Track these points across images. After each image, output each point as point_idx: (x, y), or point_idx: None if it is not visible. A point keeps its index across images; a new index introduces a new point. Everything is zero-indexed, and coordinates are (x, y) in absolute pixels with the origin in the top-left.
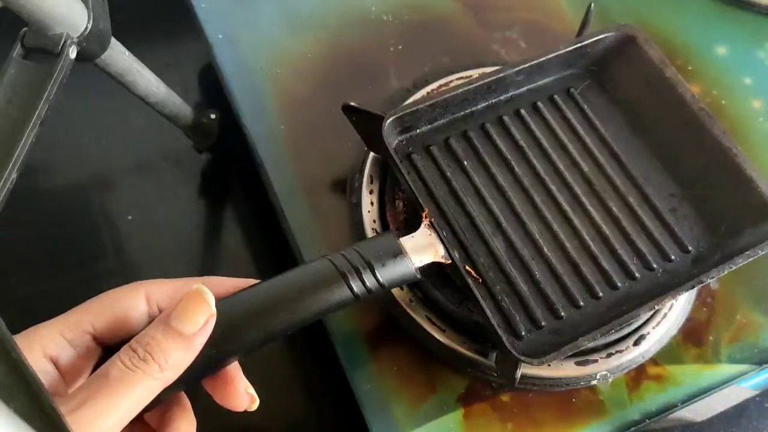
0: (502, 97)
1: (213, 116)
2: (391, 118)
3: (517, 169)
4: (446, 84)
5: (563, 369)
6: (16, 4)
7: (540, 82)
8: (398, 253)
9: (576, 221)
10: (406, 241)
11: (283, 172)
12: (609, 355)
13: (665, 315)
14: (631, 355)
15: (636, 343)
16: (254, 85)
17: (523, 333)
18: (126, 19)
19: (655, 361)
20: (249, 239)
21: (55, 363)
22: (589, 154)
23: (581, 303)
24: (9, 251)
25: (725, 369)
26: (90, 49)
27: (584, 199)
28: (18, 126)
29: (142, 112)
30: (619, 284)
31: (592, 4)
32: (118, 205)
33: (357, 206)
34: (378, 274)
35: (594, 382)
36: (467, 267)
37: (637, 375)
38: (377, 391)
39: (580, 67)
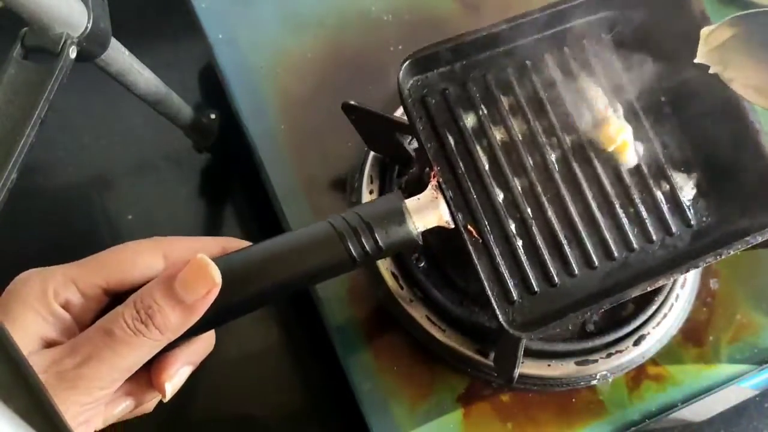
0: (527, 40)
1: (213, 116)
2: (407, 62)
3: (532, 123)
4: None
5: (563, 369)
6: (16, 4)
7: (568, 25)
8: (401, 216)
9: (584, 185)
10: (411, 203)
11: (283, 172)
12: (609, 355)
13: (665, 315)
14: (631, 355)
15: (636, 343)
16: (254, 85)
17: (515, 298)
18: (126, 19)
19: (655, 361)
20: (249, 239)
21: (65, 307)
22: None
23: (576, 271)
24: (9, 251)
25: (725, 369)
26: (90, 49)
27: (596, 162)
28: (18, 126)
29: (142, 112)
30: (616, 254)
31: None
32: (118, 205)
33: None
34: (378, 238)
35: (594, 382)
36: (469, 225)
37: (637, 375)
38: (377, 391)
39: (614, 10)
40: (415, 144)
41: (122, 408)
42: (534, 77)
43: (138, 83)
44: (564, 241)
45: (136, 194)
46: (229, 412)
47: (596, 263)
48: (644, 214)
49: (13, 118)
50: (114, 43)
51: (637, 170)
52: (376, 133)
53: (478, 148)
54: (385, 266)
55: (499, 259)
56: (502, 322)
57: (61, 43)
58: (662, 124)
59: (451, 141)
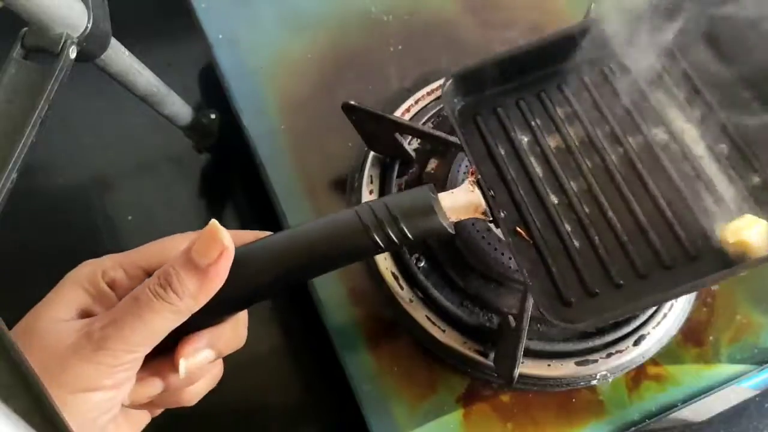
0: (585, 56)
1: (213, 116)
2: (452, 79)
3: (590, 129)
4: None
5: (563, 369)
6: (16, 4)
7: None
8: (429, 208)
9: (651, 183)
10: (444, 197)
11: (283, 172)
12: (609, 355)
13: (665, 315)
14: (631, 355)
15: (636, 343)
16: (254, 85)
17: (572, 300)
18: (126, 19)
19: (655, 361)
20: None
21: (111, 286)
22: (681, 115)
23: (644, 272)
24: (9, 251)
25: (725, 369)
26: (90, 49)
27: (666, 162)
28: (18, 126)
29: (142, 112)
30: (693, 254)
31: (593, 4)
32: (118, 206)
33: None
34: (405, 229)
35: (594, 382)
36: (519, 227)
37: (637, 375)
38: (377, 391)
39: (684, 21)
40: (415, 144)
41: (153, 388)
42: (592, 91)
43: (138, 83)
44: (629, 243)
45: (136, 194)
46: (229, 411)
47: (670, 263)
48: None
49: (13, 118)
50: (114, 43)
51: (715, 161)
52: (376, 133)
53: (531, 155)
54: (385, 266)
55: (551, 259)
56: (547, 316)
57: (61, 43)
58: (745, 113)
59: (502, 149)
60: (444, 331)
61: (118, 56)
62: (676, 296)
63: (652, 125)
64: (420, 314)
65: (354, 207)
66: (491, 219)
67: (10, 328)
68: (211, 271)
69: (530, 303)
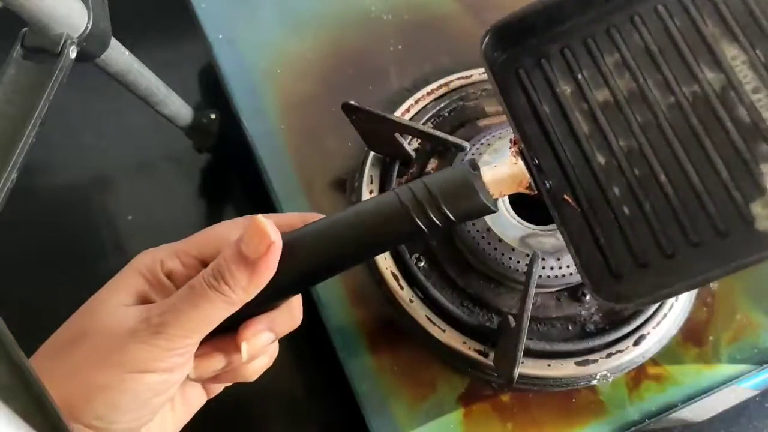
0: None
1: (213, 116)
2: (490, 33)
3: (641, 80)
4: (446, 84)
5: (563, 369)
6: (16, 4)
7: None
8: (470, 186)
9: (706, 141)
10: (486, 172)
11: (283, 172)
12: (609, 355)
13: (665, 315)
14: (631, 355)
15: (636, 343)
16: (254, 85)
17: (623, 272)
18: (126, 19)
19: (655, 361)
20: None
21: (169, 276)
22: (742, 60)
23: (697, 240)
24: (9, 251)
25: (725, 369)
26: (90, 49)
27: (722, 113)
28: (18, 126)
29: (142, 112)
30: (749, 219)
31: None
32: (118, 205)
33: None
34: (446, 209)
35: (594, 382)
36: (566, 195)
37: (637, 375)
38: (377, 391)
39: None
40: (415, 144)
41: (217, 362)
42: (644, 33)
43: (138, 83)
44: (680, 206)
45: (136, 194)
46: (229, 411)
47: (725, 229)
48: None
49: (13, 118)
50: (114, 43)
51: None
52: (376, 133)
53: (577, 111)
54: (385, 266)
55: (599, 229)
56: (596, 296)
57: (61, 43)
58: None
59: (547, 107)
60: (444, 331)
61: (118, 56)
62: (735, 271)
63: (708, 71)
64: (420, 314)
65: (394, 188)
66: (536, 192)
67: (10, 328)
68: (261, 264)
69: (530, 303)
